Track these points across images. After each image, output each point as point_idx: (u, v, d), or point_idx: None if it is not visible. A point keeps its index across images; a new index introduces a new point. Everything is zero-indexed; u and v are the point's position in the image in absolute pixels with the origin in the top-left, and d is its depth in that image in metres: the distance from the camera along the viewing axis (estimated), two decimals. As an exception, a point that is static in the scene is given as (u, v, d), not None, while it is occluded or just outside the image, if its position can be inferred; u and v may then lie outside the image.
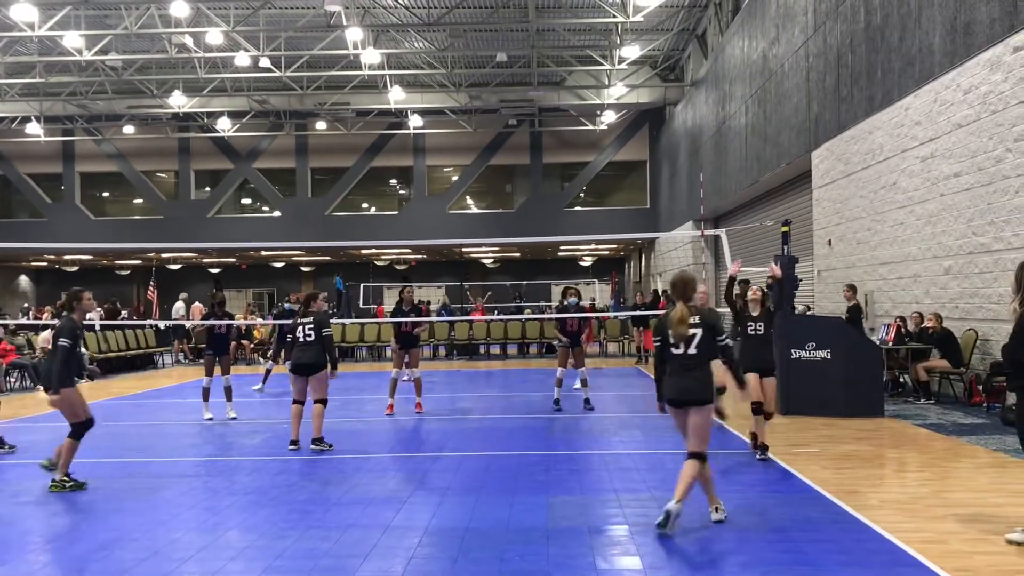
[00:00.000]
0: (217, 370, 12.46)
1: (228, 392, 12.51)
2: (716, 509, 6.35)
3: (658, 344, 6.40)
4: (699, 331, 6.23)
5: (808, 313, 16.26)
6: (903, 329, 13.22)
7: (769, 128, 20.25)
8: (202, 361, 13.33)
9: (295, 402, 9.98)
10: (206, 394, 12.45)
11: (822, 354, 11.30)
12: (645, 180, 39.22)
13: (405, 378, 12.61)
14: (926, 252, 13.14)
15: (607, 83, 31.28)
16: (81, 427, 8.05)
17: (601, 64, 29.75)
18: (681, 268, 6.70)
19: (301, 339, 9.92)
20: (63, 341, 7.91)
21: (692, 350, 6.23)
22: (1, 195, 42.15)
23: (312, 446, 9.70)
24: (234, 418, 12.32)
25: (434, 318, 14.80)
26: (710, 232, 17.69)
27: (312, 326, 9.90)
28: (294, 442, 9.81)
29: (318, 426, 9.83)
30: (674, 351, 6.27)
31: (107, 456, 8.85)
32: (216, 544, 6.06)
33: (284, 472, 8.51)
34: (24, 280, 48.95)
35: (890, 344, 12.83)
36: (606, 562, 5.53)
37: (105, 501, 7.49)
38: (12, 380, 17.87)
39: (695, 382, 6.20)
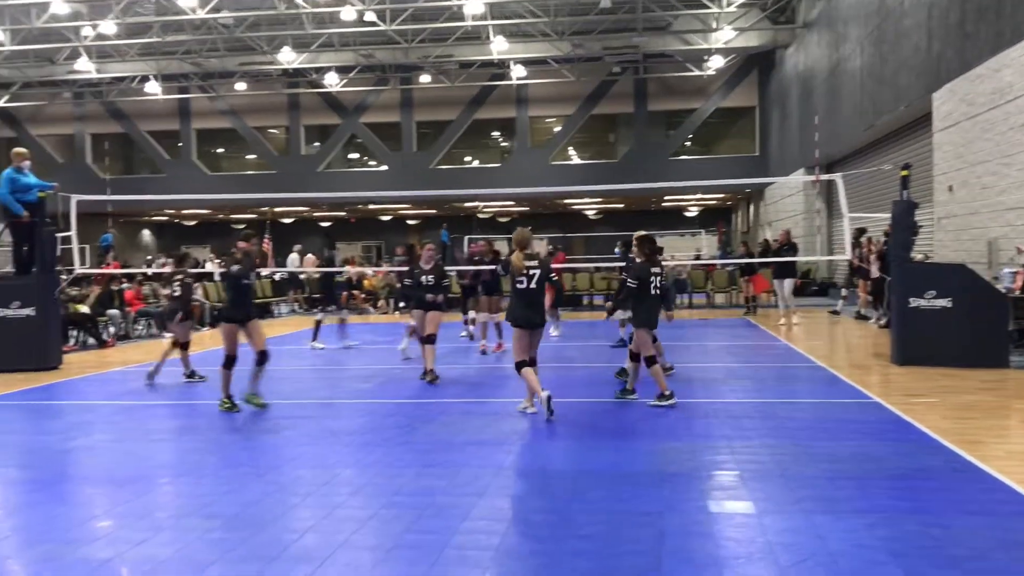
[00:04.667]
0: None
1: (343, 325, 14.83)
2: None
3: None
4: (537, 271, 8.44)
5: (927, 261, 15.65)
6: (1031, 277, 12.58)
7: (886, 69, 19.37)
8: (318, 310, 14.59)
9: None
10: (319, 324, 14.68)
11: (942, 303, 10.89)
12: (754, 127, 38.10)
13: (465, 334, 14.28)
14: (1058, 196, 12.44)
15: (714, 27, 30.39)
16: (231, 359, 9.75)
17: (708, 7, 28.93)
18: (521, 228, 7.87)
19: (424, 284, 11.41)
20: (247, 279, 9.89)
21: (533, 285, 8.41)
22: (124, 152, 44.01)
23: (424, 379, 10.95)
24: (349, 347, 14.69)
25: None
26: (824, 177, 17.07)
27: (434, 276, 11.36)
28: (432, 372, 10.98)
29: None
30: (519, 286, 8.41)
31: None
32: (336, 480, 6.31)
33: (396, 414, 8.77)
34: (147, 234, 51.22)
35: (1017, 292, 12.24)
36: (718, 506, 5.53)
37: (230, 441, 7.89)
38: (140, 328, 18.84)
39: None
